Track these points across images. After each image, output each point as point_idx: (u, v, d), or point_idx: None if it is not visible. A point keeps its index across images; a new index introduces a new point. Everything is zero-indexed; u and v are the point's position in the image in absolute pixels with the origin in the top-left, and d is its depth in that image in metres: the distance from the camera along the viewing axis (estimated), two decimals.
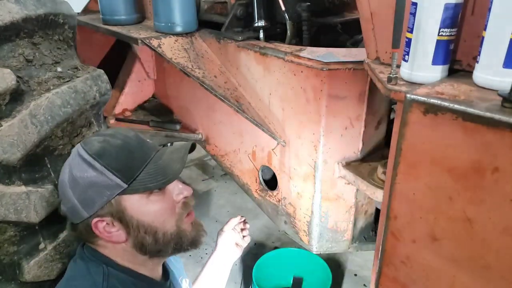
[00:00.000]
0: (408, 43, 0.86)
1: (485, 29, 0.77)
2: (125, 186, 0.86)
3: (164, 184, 0.90)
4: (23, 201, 1.10)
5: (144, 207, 0.89)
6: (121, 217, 0.88)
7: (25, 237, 1.16)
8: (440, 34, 0.82)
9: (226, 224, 1.41)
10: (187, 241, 0.96)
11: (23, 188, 1.11)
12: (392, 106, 1.42)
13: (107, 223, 0.88)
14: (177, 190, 0.95)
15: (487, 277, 0.77)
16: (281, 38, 1.61)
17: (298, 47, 1.43)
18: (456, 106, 0.72)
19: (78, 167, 0.87)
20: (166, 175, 0.90)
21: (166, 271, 1.07)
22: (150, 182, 0.88)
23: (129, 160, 0.88)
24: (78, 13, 2.32)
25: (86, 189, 0.85)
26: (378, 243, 0.96)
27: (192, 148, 0.98)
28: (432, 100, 0.75)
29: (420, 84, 0.85)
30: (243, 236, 1.41)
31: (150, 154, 0.92)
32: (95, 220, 0.87)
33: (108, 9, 2.00)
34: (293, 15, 1.58)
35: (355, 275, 2.36)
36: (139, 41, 1.70)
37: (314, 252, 1.73)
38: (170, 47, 1.71)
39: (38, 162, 1.18)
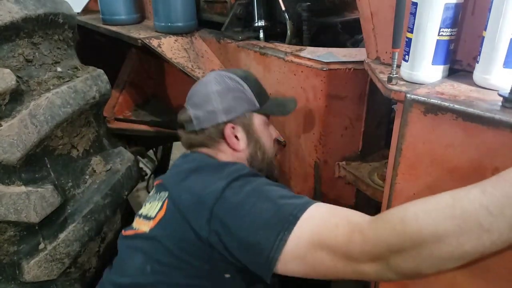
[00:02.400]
0: (408, 43, 0.86)
1: (485, 29, 0.77)
2: (258, 106, 1.14)
3: (284, 114, 1.22)
4: (23, 201, 1.11)
5: (263, 128, 1.16)
6: (248, 129, 1.13)
7: (25, 237, 1.16)
8: (440, 34, 0.82)
9: None
10: (273, 172, 1.22)
11: (23, 188, 1.12)
12: (393, 106, 1.42)
13: (236, 130, 1.11)
14: (273, 129, 1.24)
15: (487, 278, 0.77)
16: (281, 38, 1.61)
17: (298, 47, 1.43)
18: (456, 106, 0.72)
19: (230, 82, 1.12)
20: (285, 108, 1.22)
21: None
22: (274, 109, 1.20)
23: (262, 89, 1.19)
24: (78, 13, 2.32)
25: (232, 100, 1.10)
26: None
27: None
28: (432, 100, 0.75)
29: (420, 84, 0.85)
30: None
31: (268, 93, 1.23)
32: (229, 125, 1.10)
33: (108, 9, 2.00)
34: (293, 15, 1.58)
35: None
36: (139, 41, 1.70)
37: None
38: (170, 47, 1.71)
39: (38, 162, 1.18)
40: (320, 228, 0.79)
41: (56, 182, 1.23)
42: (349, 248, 0.75)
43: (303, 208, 0.82)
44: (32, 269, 1.16)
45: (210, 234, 0.88)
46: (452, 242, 0.65)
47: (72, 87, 1.26)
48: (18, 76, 1.14)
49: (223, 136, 1.10)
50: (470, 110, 0.70)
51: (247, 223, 0.85)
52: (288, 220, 0.81)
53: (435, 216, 0.66)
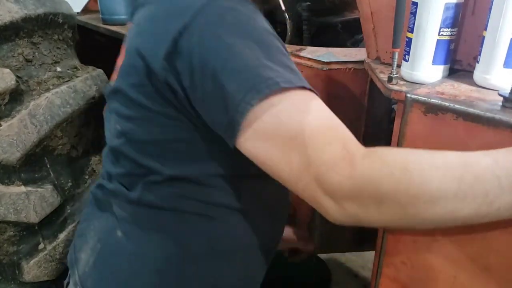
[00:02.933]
0: (409, 43, 0.86)
1: (485, 29, 0.77)
2: None
3: None
4: (23, 201, 1.11)
5: None
6: None
7: (25, 237, 1.16)
8: (440, 34, 0.81)
9: None
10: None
11: (22, 188, 1.12)
12: (393, 106, 1.42)
13: None
14: None
15: (488, 277, 0.77)
16: (281, 38, 1.61)
17: (298, 47, 1.43)
18: (457, 106, 0.71)
19: None
20: None
21: None
22: None
23: None
24: (78, 13, 2.31)
25: None
26: (378, 243, 0.96)
27: None
28: (433, 100, 0.75)
29: (420, 84, 0.85)
30: None
31: None
32: None
33: (107, 8, 1.99)
34: (293, 15, 1.58)
35: (356, 276, 2.36)
36: None
37: (314, 253, 1.73)
38: None
39: (37, 162, 1.18)
40: (309, 130, 0.63)
41: (56, 182, 1.23)
42: (329, 173, 0.61)
43: (297, 85, 0.65)
44: (32, 269, 1.16)
45: (167, 72, 0.69)
46: (448, 206, 0.60)
47: (71, 87, 1.26)
48: (17, 76, 1.13)
49: None
50: (471, 110, 0.70)
51: (223, 63, 0.65)
52: (267, 84, 0.62)
53: (442, 174, 0.59)
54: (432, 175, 0.59)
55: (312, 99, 0.67)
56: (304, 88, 0.67)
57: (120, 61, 0.85)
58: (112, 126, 0.85)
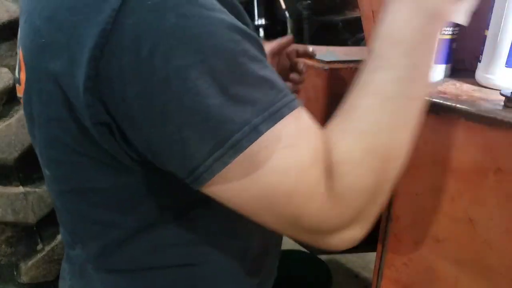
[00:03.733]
0: None
1: (487, 28, 0.76)
2: None
3: None
4: (21, 201, 1.10)
5: None
6: None
7: (23, 238, 1.16)
8: (442, 33, 0.81)
9: None
10: None
11: (20, 189, 1.11)
12: None
13: None
14: None
15: (490, 278, 0.76)
16: (282, 37, 1.61)
17: None
18: (459, 106, 0.71)
19: None
20: None
21: None
22: None
23: None
24: None
25: None
26: (380, 244, 0.95)
27: None
28: (434, 100, 0.74)
29: None
30: None
31: None
32: None
33: None
34: (293, 13, 1.58)
35: (356, 277, 2.36)
36: None
37: (315, 253, 1.73)
38: None
39: (35, 162, 1.18)
40: (290, 185, 0.50)
41: None
42: (320, 224, 0.54)
43: (280, 113, 0.49)
44: (30, 270, 1.16)
45: (90, 104, 0.47)
46: (407, 130, 0.57)
47: None
48: (16, 76, 1.13)
49: None
50: (473, 109, 0.69)
51: (165, 102, 0.45)
52: (243, 133, 0.46)
53: (378, 130, 0.54)
54: (378, 136, 0.54)
55: (295, 128, 0.52)
56: (288, 108, 0.51)
57: (22, 74, 0.60)
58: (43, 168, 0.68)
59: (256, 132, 0.47)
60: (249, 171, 0.48)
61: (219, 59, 0.45)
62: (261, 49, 0.53)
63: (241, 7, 0.57)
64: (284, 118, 0.49)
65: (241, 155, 0.47)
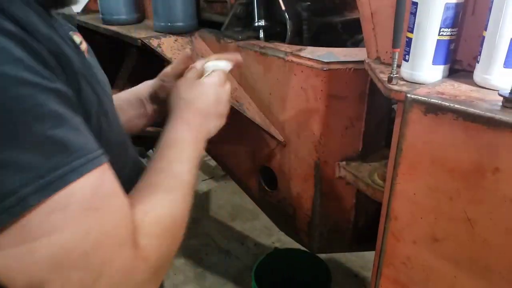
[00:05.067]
0: (409, 42, 0.86)
1: (485, 29, 0.76)
2: None
3: None
4: None
5: None
6: None
7: None
8: (440, 34, 0.81)
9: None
10: None
11: None
12: (393, 106, 1.41)
13: None
14: None
15: (488, 278, 0.77)
16: (281, 38, 1.61)
17: (298, 47, 1.43)
18: (457, 106, 0.71)
19: None
20: None
21: None
22: None
23: None
24: (78, 13, 2.31)
25: None
26: (378, 243, 0.96)
27: None
28: (433, 100, 0.75)
29: (420, 84, 0.85)
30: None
31: None
32: None
33: (107, 8, 2.00)
34: (293, 15, 1.58)
35: (356, 276, 2.36)
36: (139, 41, 1.70)
37: (314, 253, 1.73)
38: (170, 46, 1.71)
39: None
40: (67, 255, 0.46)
41: None
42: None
43: (56, 177, 0.44)
44: None
45: None
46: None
47: None
48: None
49: None
50: (471, 110, 0.70)
51: None
52: (10, 202, 0.42)
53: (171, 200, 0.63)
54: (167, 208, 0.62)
55: (91, 191, 0.48)
56: (76, 173, 0.46)
57: None
58: None
59: (24, 203, 0.42)
60: (21, 240, 0.44)
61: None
62: (67, 102, 0.48)
63: (69, 52, 0.53)
64: (75, 182, 0.45)
65: (12, 223, 0.43)
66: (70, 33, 0.70)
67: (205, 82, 0.82)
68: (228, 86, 0.86)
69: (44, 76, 0.45)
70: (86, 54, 0.71)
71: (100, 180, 0.49)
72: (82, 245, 0.46)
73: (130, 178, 0.64)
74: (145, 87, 0.98)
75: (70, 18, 1.38)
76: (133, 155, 0.75)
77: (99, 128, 0.57)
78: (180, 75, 0.89)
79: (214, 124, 0.81)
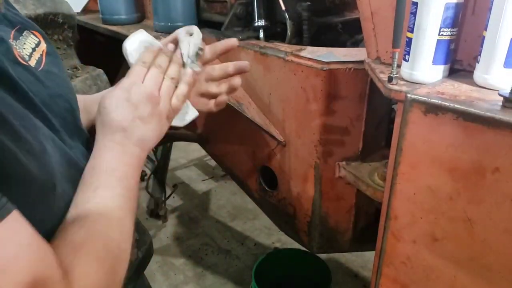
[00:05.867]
0: (409, 42, 0.86)
1: (485, 29, 0.76)
2: None
3: None
4: None
5: None
6: None
7: None
8: (440, 34, 0.81)
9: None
10: None
11: None
12: (393, 106, 1.42)
13: None
14: None
15: (488, 278, 0.77)
16: (281, 38, 1.61)
17: (298, 47, 1.43)
18: (457, 106, 0.71)
19: None
20: None
21: None
22: None
23: None
24: (78, 13, 2.32)
25: None
26: (378, 243, 0.96)
27: None
28: (433, 100, 0.75)
29: (420, 84, 0.85)
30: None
31: None
32: None
33: (107, 8, 2.00)
34: (293, 15, 1.58)
35: (356, 276, 2.36)
36: None
37: (314, 253, 1.73)
38: None
39: None
40: None
41: None
42: None
43: None
44: None
45: None
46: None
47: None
48: None
49: None
50: (471, 110, 0.70)
51: None
52: None
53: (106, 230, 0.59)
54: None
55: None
56: None
57: None
58: None
59: None
60: None
61: None
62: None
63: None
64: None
65: None
66: (18, 40, 0.64)
67: (105, 95, 0.70)
68: (147, 81, 0.71)
69: None
70: (43, 59, 0.67)
71: (5, 235, 0.42)
72: None
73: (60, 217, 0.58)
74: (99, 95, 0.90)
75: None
76: (66, 192, 0.62)
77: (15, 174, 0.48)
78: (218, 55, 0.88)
79: (143, 130, 0.69)
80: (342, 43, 1.69)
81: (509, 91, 0.69)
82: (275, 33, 1.64)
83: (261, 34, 1.60)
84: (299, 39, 1.61)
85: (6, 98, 0.50)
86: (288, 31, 1.58)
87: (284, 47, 1.45)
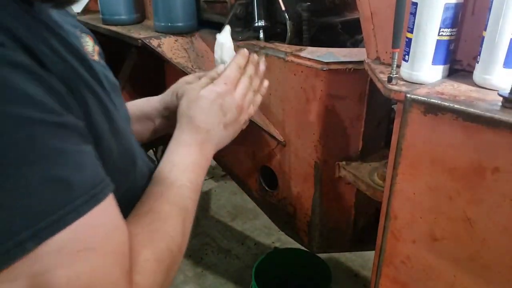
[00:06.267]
0: (408, 43, 0.86)
1: (485, 29, 0.77)
2: None
3: None
4: None
5: None
6: None
7: None
8: (440, 34, 0.82)
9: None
10: None
11: None
12: (393, 106, 1.42)
13: None
14: None
15: (487, 277, 0.77)
16: (281, 38, 1.61)
17: (298, 47, 1.43)
18: (456, 106, 0.72)
19: None
20: None
21: None
22: None
23: None
24: (78, 13, 2.32)
25: None
26: (378, 243, 0.96)
27: None
28: (432, 100, 0.75)
29: (420, 84, 0.85)
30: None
31: None
32: None
33: (108, 9, 2.00)
34: (293, 15, 1.58)
35: (356, 275, 2.37)
36: (139, 41, 1.70)
37: (314, 252, 1.73)
38: (170, 47, 1.71)
39: None
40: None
41: None
42: None
43: (60, 220, 0.43)
44: None
45: None
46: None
47: None
48: None
49: None
50: (470, 110, 0.70)
51: None
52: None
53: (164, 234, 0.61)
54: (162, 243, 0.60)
55: (92, 230, 0.46)
56: (77, 213, 0.44)
57: None
58: None
59: (20, 248, 0.41)
60: (11, 278, 0.42)
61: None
62: (75, 134, 0.46)
63: (80, 70, 0.53)
64: (73, 223, 0.44)
65: (7, 266, 0.41)
66: (82, 39, 0.68)
67: (203, 95, 0.77)
68: (239, 90, 0.80)
69: (51, 110, 0.44)
70: (97, 58, 0.70)
71: (100, 217, 0.47)
72: (73, 286, 0.44)
73: (140, 188, 0.66)
74: (156, 101, 0.94)
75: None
76: (142, 167, 0.69)
77: (109, 151, 0.55)
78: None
79: (222, 135, 0.78)
80: (342, 43, 1.70)
81: (509, 91, 0.69)
82: (275, 33, 1.64)
83: (261, 35, 1.60)
84: (299, 39, 1.61)
85: (95, 85, 0.55)
86: (288, 32, 1.58)
87: (284, 47, 1.45)
